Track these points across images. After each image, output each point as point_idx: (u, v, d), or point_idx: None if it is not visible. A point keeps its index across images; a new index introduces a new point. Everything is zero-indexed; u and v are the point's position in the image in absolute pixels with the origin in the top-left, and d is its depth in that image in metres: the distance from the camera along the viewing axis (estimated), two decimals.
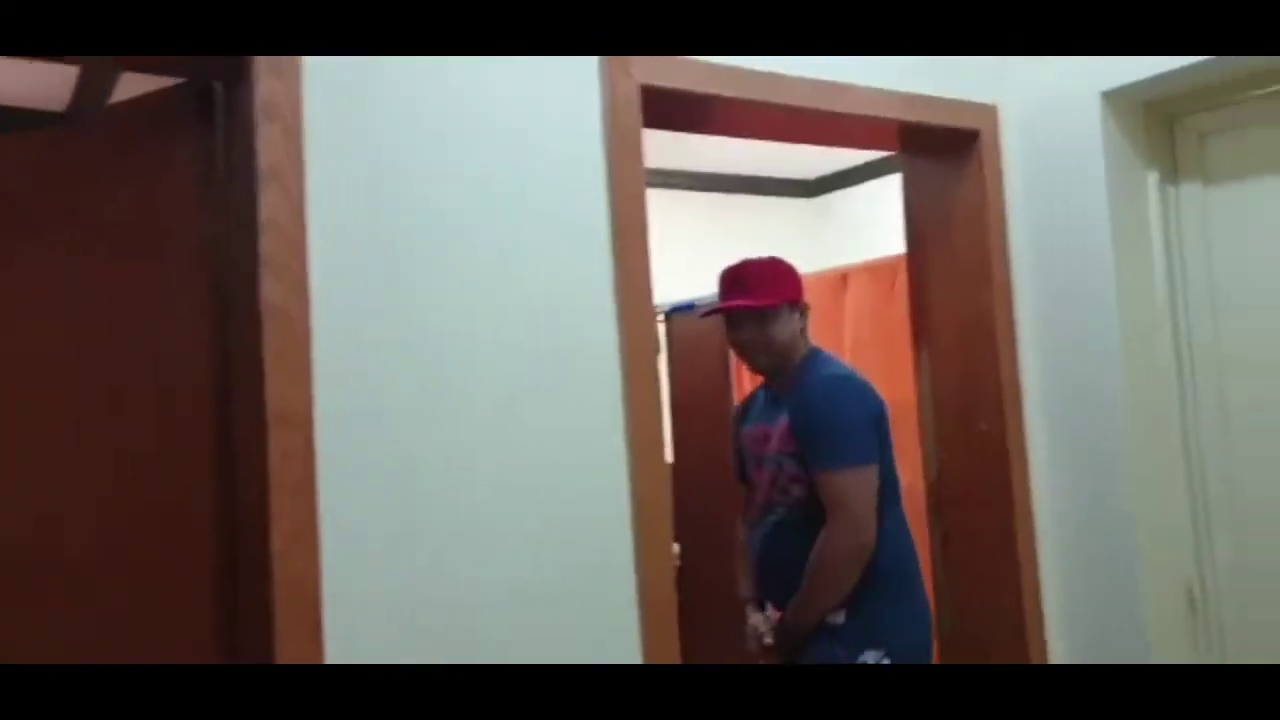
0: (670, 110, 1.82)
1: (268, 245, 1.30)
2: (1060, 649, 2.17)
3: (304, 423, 1.26)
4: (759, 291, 1.97)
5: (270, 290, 1.28)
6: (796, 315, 1.99)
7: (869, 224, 4.24)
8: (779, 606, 1.95)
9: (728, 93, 1.81)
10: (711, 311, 2.04)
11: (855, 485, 1.87)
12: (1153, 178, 2.21)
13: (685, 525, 2.71)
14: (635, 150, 1.69)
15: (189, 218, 1.42)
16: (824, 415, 1.91)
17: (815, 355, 2.02)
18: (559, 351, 1.61)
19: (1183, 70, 2.00)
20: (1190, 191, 2.20)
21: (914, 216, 2.36)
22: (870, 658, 1.91)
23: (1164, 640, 2.09)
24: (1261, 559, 2.09)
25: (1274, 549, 2.07)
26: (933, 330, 2.32)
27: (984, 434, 2.20)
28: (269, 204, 1.31)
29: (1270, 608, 2.07)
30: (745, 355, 2.02)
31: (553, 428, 1.59)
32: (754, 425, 2.06)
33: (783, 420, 1.95)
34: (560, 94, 1.65)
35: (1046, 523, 2.20)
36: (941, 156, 2.26)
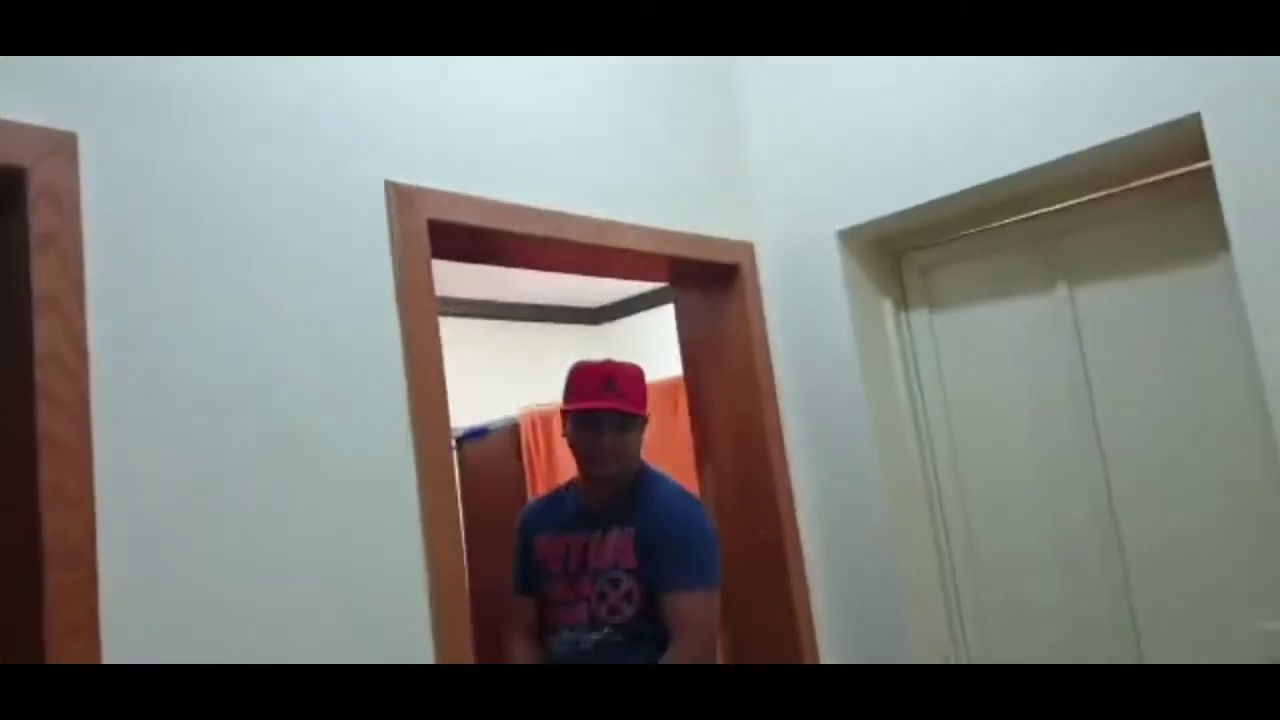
0: (457, 243, 1.89)
1: (44, 376, 1.26)
2: None
3: (86, 559, 1.21)
4: (631, 398, 1.94)
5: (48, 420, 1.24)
6: (644, 429, 1.99)
7: (650, 348, 4.48)
8: None
9: (512, 228, 1.92)
10: (585, 410, 1.95)
11: (708, 607, 1.85)
12: (887, 304, 2.53)
13: (482, 645, 2.66)
14: (426, 282, 1.74)
15: None
16: (686, 534, 1.88)
17: (648, 470, 2.02)
18: (358, 483, 1.59)
19: (902, 213, 2.34)
20: (918, 316, 2.53)
21: (686, 340, 2.57)
22: None
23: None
24: (996, 591, 2.36)
25: (1003, 584, 2.34)
26: (712, 444, 2.50)
27: (762, 539, 2.37)
28: (46, 335, 1.28)
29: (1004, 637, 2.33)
30: (597, 459, 1.94)
31: (354, 563, 1.55)
32: (559, 535, 2.00)
33: (620, 534, 1.90)
34: (350, 223, 1.69)
35: (820, 595, 2.38)
36: (707, 288, 2.49)
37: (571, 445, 2.01)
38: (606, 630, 1.88)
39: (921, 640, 2.34)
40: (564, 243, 2.01)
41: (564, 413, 2.02)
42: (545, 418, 4.00)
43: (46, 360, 1.27)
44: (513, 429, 4.00)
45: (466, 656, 1.65)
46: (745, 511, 2.41)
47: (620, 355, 2.28)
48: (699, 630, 1.82)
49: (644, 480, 2.00)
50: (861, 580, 2.36)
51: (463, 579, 1.70)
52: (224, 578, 1.41)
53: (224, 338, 1.49)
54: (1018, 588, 2.35)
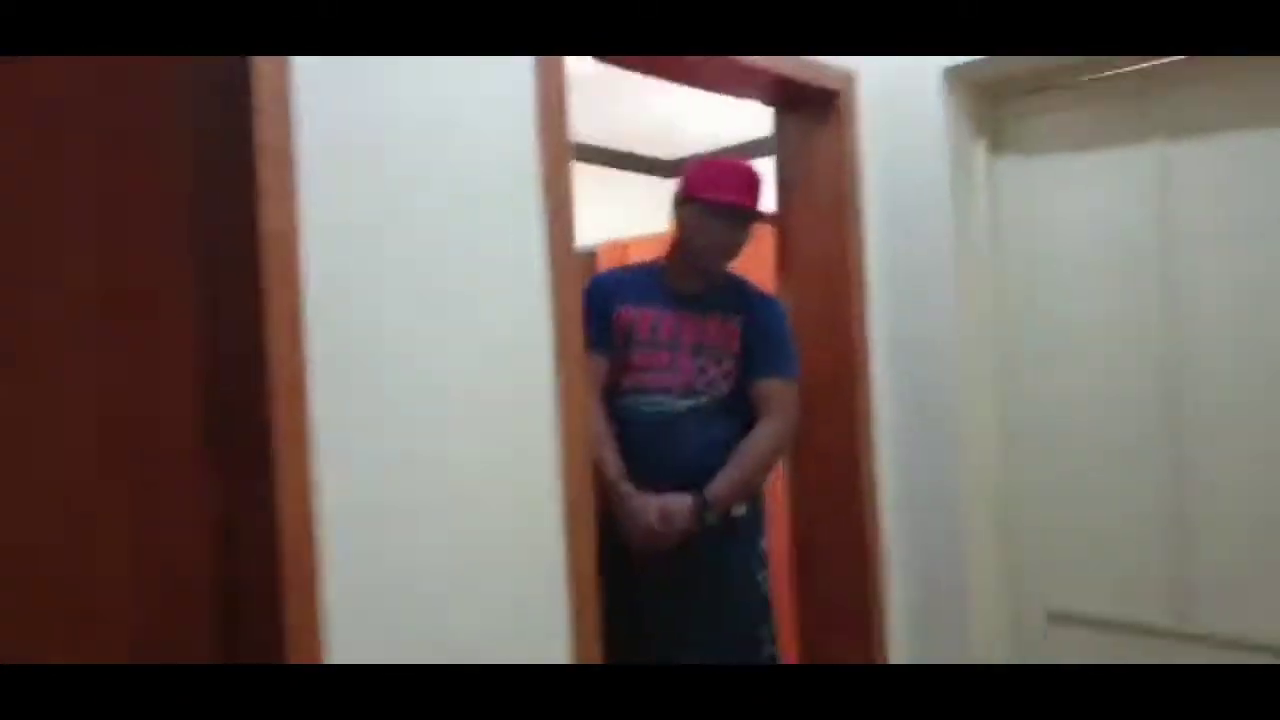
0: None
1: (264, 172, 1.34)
2: (894, 547, 2.50)
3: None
4: (762, 202, 2.11)
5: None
6: None
7: None
8: (669, 486, 2.00)
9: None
10: (731, 204, 2.04)
11: (794, 397, 2.14)
12: (981, 146, 2.58)
13: None
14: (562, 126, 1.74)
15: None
16: (784, 330, 2.18)
17: (741, 278, 2.24)
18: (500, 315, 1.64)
19: (1006, 61, 2.37)
20: (1011, 162, 2.58)
21: (782, 166, 2.64)
22: (761, 545, 2.17)
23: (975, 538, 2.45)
24: (1059, 466, 2.48)
25: (1068, 457, 2.46)
26: (795, 266, 2.60)
27: (835, 357, 2.49)
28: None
29: (1053, 514, 2.47)
30: (719, 254, 2.10)
31: (490, 382, 1.62)
32: (650, 307, 2.13)
33: (727, 320, 2.12)
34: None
35: (885, 431, 2.51)
36: (808, 113, 2.55)
37: (686, 232, 2.11)
38: (701, 399, 2.08)
39: (977, 470, 2.48)
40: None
41: (688, 199, 2.11)
42: (621, 247, 4.18)
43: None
44: (590, 256, 4.19)
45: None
46: (821, 342, 2.50)
47: None
48: (788, 413, 2.11)
49: (738, 278, 2.20)
50: (923, 401, 2.49)
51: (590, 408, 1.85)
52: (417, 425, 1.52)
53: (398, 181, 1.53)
54: (1075, 444, 2.47)
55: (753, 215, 2.09)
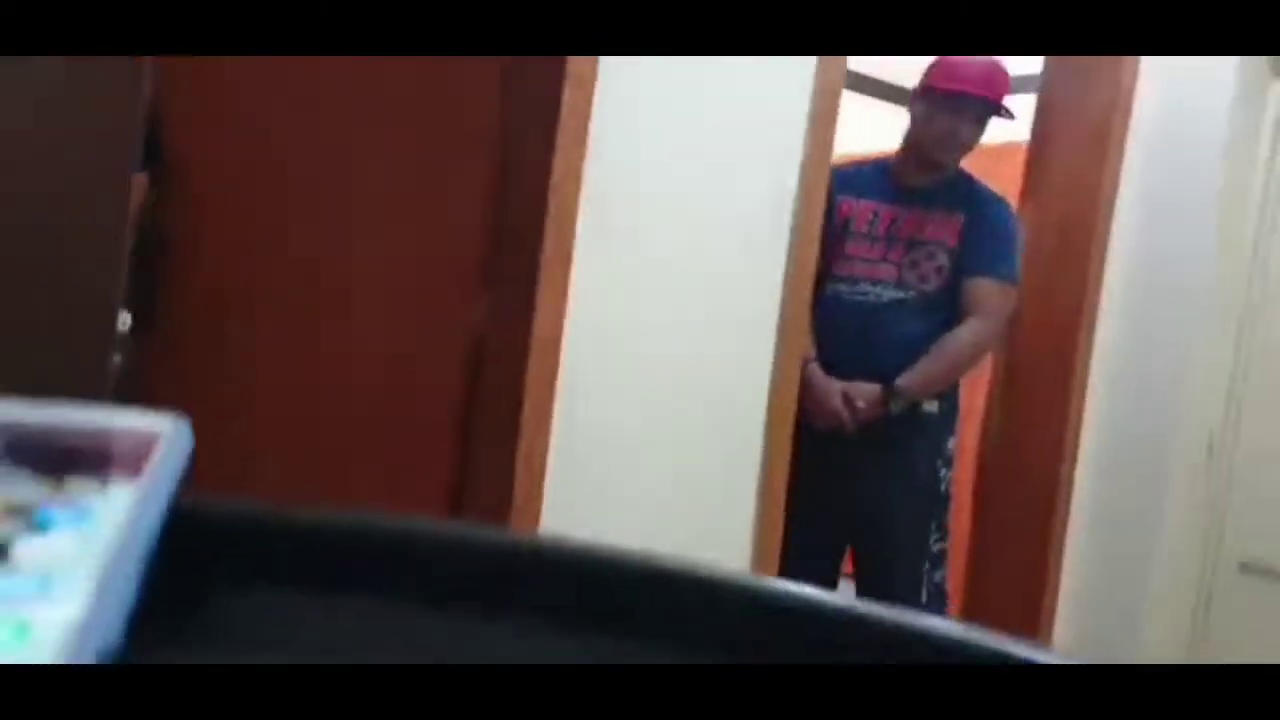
0: None
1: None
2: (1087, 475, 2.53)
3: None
4: (1000, 92, 2.09)
5: None
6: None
7: None
8: (861, 377, 2.08)
9: None
10: (960, 91, 2.07)
11: (1006, 299, 2.13)
12: (1276, 86, 2.45)
13: None
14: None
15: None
16: (1009, 230, 2.15)
17: (970, 175, 2.20)
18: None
19: None
20: None
21: (1046, 88, 2.60)
22: (950, 444, 2.21)
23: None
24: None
25: None
26: (1040, 192, 2.58)
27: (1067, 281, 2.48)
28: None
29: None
30: (949, 145, 2.11)
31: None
32: (872, 200, 2.19)
33: (949, 216, 2.12)
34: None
35: (1103, 360, 2.49)
36: None
37: (919, 125, 2.17)
38: (910, 293, 2.13)
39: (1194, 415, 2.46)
40: None
41: (924, 92, 2.16)
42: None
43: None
44: None
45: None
46: (1054, 267, 2.48)
47: None
48: (997, 316, 2.10)
49: (968, 175, 2.18)
50: (1151, 336, 2.47)
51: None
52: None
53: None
54: None
55: (986, 107, 2.08)
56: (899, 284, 2.13)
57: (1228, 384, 2.52)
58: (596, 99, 1.59)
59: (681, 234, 1.74)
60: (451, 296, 1.66)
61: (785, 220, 1.84)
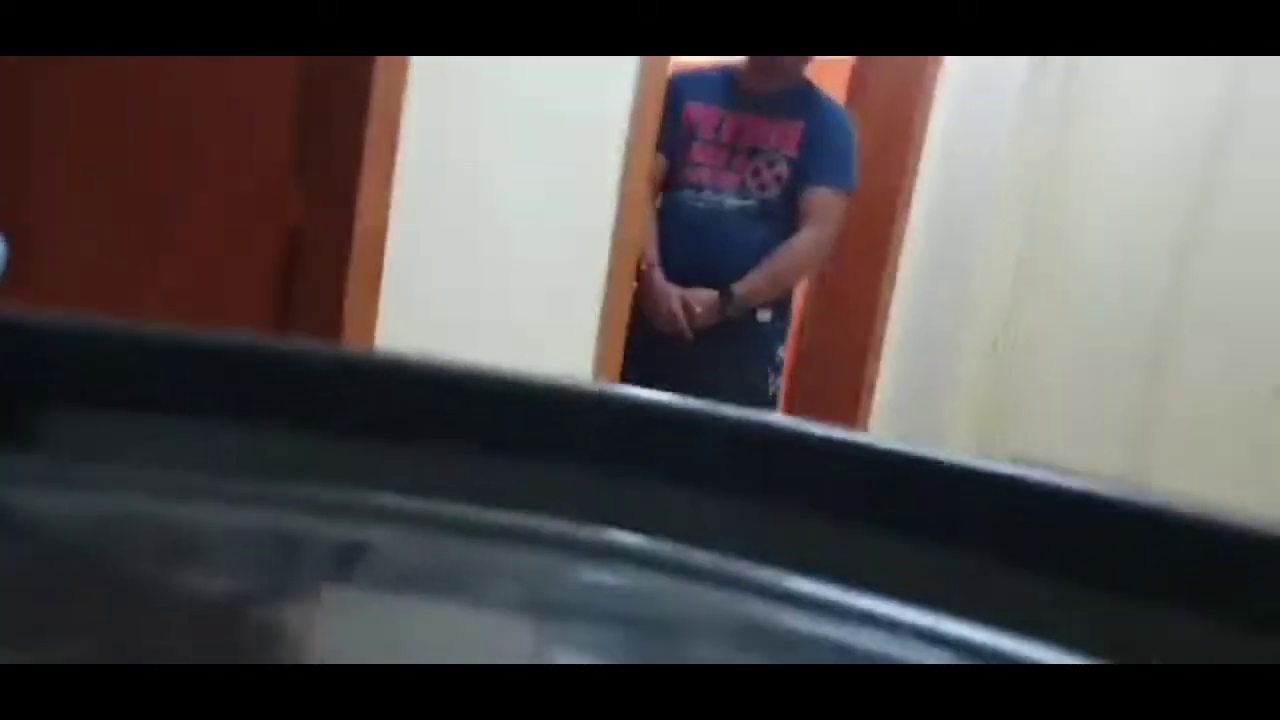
0: None
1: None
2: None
3: None
4: None
5: None
6: None
7: None
8: (701, 283, 2.09)
9: None
10: None
11: (841, 210, 2.15)
12: None
13: None
14: None
15: None
16: (847, 140, 2.14)
17: (811, 83, 2.20)
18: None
19: None
20: None
21: None
22: (780, 352, 2.27)
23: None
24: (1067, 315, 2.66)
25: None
26: (864, 100, 2.64)
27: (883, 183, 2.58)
28: None
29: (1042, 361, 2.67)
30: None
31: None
32: (716, 107, 2.18)
33: (789, 124, 2.11)
34: None
35: (910, 258, 2.65)
36: None
37: None
38: (750, 201, 2.13)
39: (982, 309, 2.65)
40: None
41: None
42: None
43: None
44: None
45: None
46: (876, 165, 2.54)
47: None
48: (831, 224, 2.13)
49: (809, 83, 2.19)
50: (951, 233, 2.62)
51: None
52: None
53: None
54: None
55: None
56: (740, 191, 2.14)
57: (1013, 276, 2.73)
58: None
59: (515, 135, 1.66)
60: (263, 191, 1.51)
61: (622, 127, 1.81)
